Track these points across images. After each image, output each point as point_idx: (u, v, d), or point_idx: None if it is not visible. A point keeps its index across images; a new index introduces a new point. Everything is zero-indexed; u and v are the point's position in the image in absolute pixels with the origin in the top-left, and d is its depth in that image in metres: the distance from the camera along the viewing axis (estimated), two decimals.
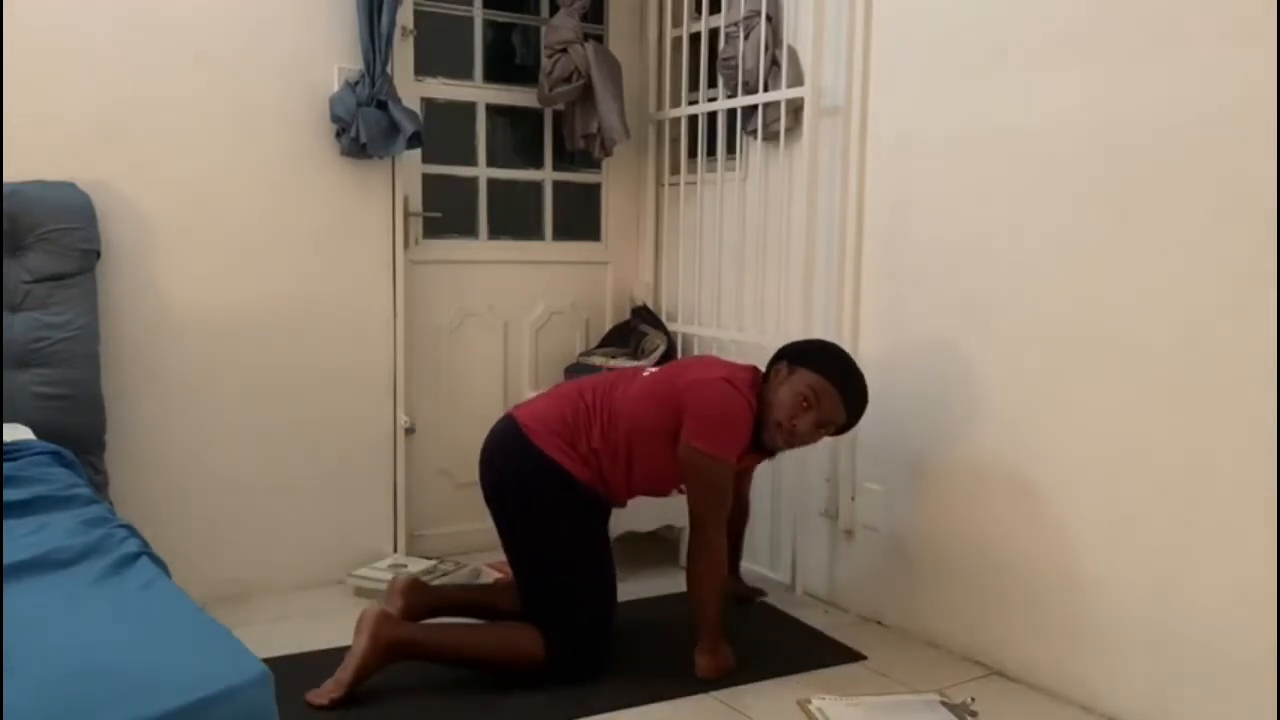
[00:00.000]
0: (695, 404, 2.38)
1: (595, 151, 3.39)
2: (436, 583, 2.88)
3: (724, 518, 2.46)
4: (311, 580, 3.06)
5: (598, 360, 3.35)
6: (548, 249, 3.58)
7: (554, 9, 3.38)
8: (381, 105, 2.97)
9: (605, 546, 2.52)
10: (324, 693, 2.25)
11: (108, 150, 2.75)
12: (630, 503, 2.66)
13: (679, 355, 3.38)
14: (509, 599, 2.55)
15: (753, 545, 3.20)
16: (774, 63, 2.99)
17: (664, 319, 3.49)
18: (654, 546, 3.21)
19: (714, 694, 2.39)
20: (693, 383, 2.42)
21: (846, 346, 2.82)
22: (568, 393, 2.54)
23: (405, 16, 3.15)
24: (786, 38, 3.00)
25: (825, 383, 2.43)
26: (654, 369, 2.63)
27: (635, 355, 3.39)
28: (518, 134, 3.60)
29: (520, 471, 2.44)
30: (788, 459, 2.99)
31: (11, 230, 2.53)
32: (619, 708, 2.30)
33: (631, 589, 2.92)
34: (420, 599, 2.52)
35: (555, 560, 2.43)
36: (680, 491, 2.54)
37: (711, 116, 3.26)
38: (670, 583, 2.97)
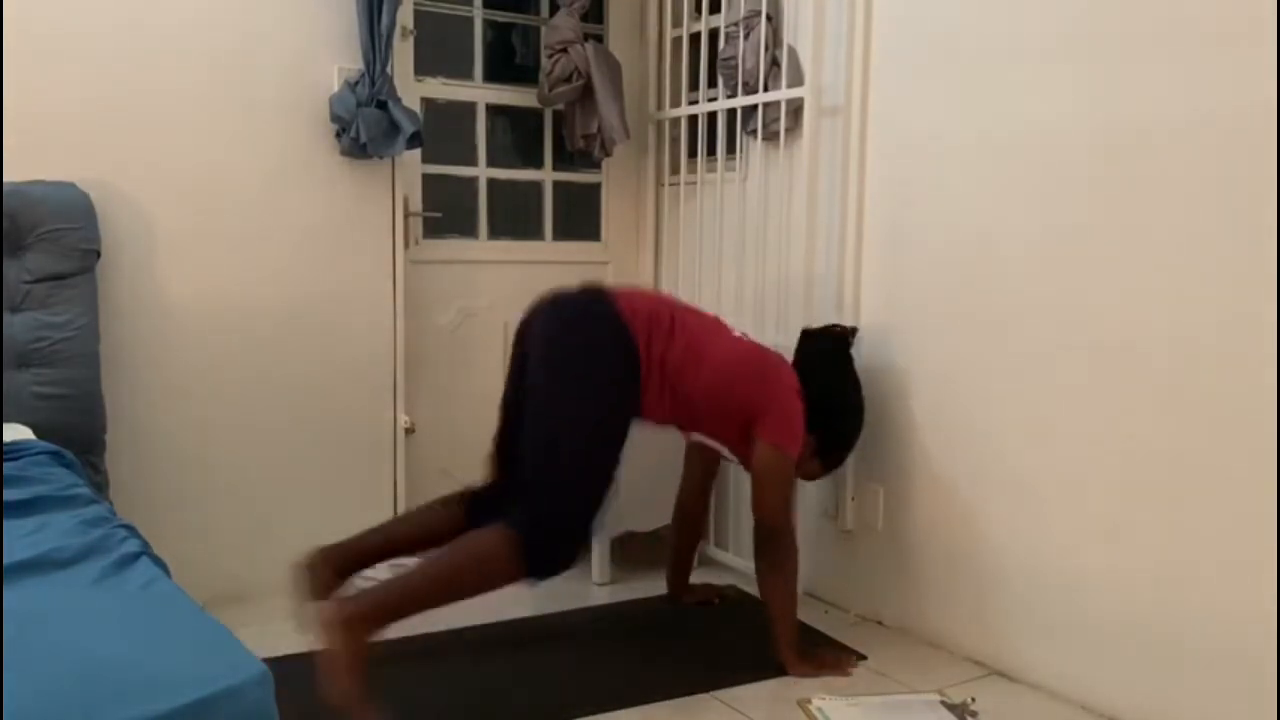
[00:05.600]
0: (782, 412, 2.51)
1: (595, 151, 3.39)
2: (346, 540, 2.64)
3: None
4: None
5: None
6: (548, 249, 3.58)
7: (554, 9, 3.38)
8: (381, 105, 2.96)
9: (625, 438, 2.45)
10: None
11: (108, 150, 2.75)
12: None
13: None
14: (432, 525, 2.51)
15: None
16: (774, 63, 2.99)
17: None
18: (654, 546, 3.20)
19: (714, 694, 2.39)
20: (783, 391, 2.53)
21: None
22: (651, 298, 2.60)
23: (405, 16, 3.15)
24: (786, 38, 3.00)
25: None
26: (740, 334, 2.61)
27: None
28: (518, 134, 3.59)
29: (598, 332, 2.41)
30: None
31: (12, 230, 2.53)
32: (619, 707, 2.30)
33: (631, 589, 2.92)
34: (342, 559, 2.48)
35: (586, 427, 2.35)
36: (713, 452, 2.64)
37: (711, 116, 3.26)
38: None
